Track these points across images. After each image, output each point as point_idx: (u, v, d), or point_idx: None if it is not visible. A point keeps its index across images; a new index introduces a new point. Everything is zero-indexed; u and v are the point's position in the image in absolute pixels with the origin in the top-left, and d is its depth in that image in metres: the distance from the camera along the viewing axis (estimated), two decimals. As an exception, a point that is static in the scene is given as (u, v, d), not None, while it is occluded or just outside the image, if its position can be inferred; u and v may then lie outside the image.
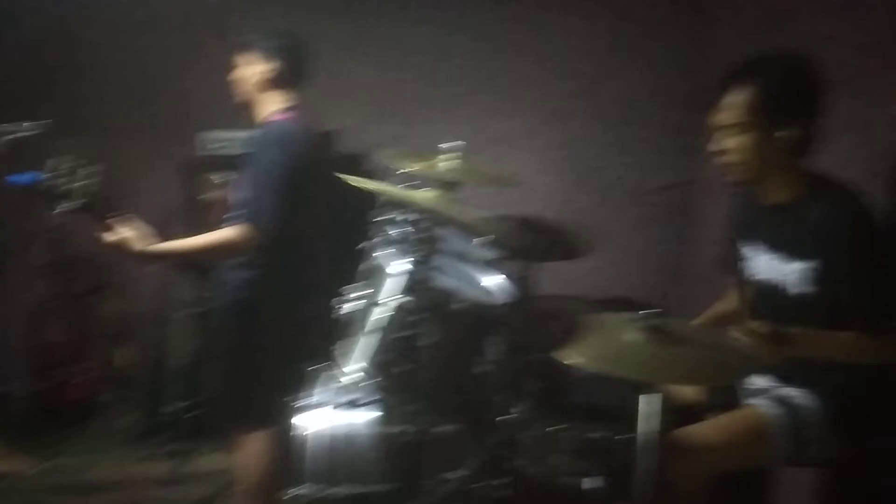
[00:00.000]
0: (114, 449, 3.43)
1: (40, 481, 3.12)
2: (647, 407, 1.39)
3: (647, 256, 3.65)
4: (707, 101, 1.85)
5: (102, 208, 2.21)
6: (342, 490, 1.78)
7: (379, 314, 1.71)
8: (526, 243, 2.65)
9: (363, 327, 1.76)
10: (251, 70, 2.41)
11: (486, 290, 1.88)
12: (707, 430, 1.76)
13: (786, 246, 1.81)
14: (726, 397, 1.92)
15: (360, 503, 1.72)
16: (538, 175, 3.45)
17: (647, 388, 1.40)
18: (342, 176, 1.64)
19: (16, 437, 3.43)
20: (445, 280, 1.79)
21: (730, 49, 3.24)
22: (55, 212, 2.18)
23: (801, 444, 1.78)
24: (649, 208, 3.57)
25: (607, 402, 1.74)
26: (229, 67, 2.45)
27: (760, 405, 1.82)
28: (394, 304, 1.59)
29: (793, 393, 1.84)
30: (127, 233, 2.18)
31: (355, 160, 3.42)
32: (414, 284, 1.61)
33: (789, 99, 1.75)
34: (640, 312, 1.42)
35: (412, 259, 1.67)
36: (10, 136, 2.87)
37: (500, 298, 1.87)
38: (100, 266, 3.76)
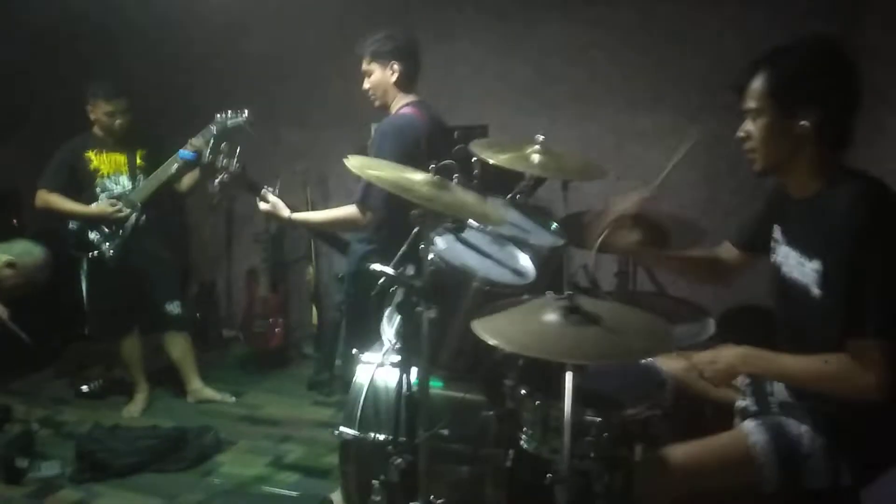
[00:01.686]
0: (294, 392, 4.04)
1: (230, 409, 3.82)
2: (569, 384, 1.43)
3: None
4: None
5: (249, 183, 2.74)
6: (374, 436, 2.03)
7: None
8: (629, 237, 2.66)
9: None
10: (378, 76, 2.72)
11: (515, 272, 1.98)
12: (688, 449, 1.69)
13: (805, 243, 1.67)
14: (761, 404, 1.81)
15: (384, 449, 1.94)
16: (679, 171, 3.31)
17: (574, 367, 1.44)
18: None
19: (226, 372, 4.26)
20: (467, 258, 1.94)
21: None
22: (214, 182, 2.77)
23: (792, 474, 1.64)
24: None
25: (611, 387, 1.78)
26: (357, 78, 2.77)
27: (749, 430, 1.70)
28: (409, 276, 1.79)
29: (787, 419, 1.70)
30: (276, 203, 2.67)
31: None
32: (429, 261, 1.79)
33: (802, 85, 1.62)
34: (558, 295, 1.46)
35: (431, 237, 1.85)
36: (227, 124, 3.54)
37: (526, 280, 1.96)
38: (303, 240, 4.42)
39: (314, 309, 4.39)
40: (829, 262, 1.59)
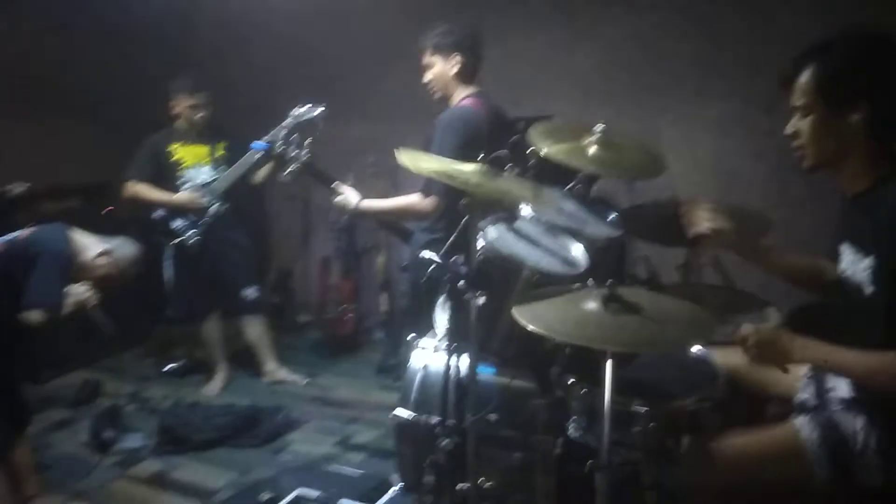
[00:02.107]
0: (363, 376, 4.17)
1: (302, 391, 3.98)
2: (609, 373, 1.44)
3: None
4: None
5: (319, 174, 2.85)
6: (427, 418, 2.09)
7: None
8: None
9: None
10: (439, 68, 2.78)
11: (566, 262, 1.99)
12: (737, 440, 1.67)
13: (858, 240, 1.62)
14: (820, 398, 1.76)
15: (434, 431, 1.99)
16: (749, 162, 3.23)
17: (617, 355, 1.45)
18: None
19: (300, 355, 4.43)
20: (518, 247, 1.97)
21: None
22: (284, 173, 2.89)
23: (843, 470, 1.60)
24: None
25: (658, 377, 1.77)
26: (421, 71, 2.84)
27: (800, 424, 1.67)
28: (457, 264, 1.83)
29: (842, 414, 1.66)
30: (347, 191, 2.78)
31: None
32: (479, 249, 1.84)
33: (850, 79, 1.57)
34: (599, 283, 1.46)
35: (482, 226, 1.89)
36: (303, 118, 3.68)
37: (577, 270, 1.96)
38: (375, 229, 4.53)
39: (384, 296, 4.50)
40: (880, 259, 1.54)
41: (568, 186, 2.47)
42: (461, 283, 1.74)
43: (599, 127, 2.35)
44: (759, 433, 1.70)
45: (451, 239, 1.88)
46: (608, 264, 2.24)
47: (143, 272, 3.13)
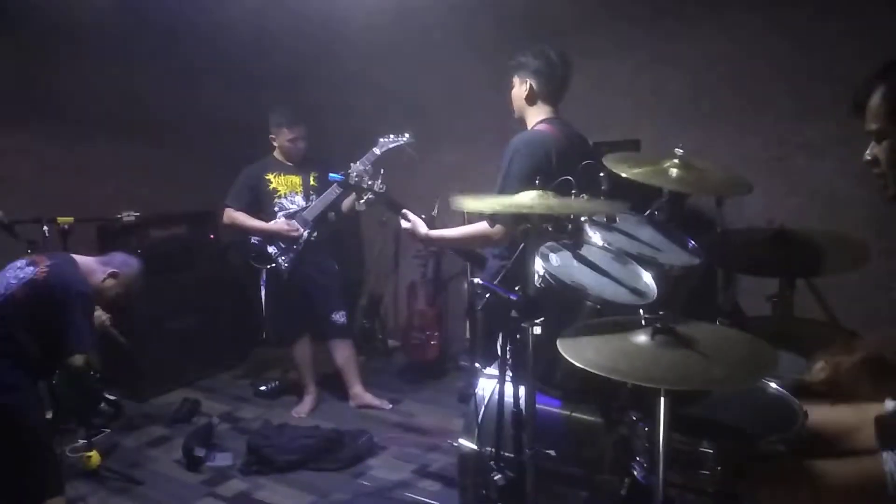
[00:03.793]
0: (446, 403, 4.15)
1: (386, 416, 4.00)
2: (662, 409, 1.34)
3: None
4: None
5: (392, 203, 2.87)
6: (491, 450, 2.03)
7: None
8: (779, 258, 2.45)
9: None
10: (515, 91, 2.76)
11: (634, 291, 1.89)
12: (826, 466, 1.53)
13: None
14: None
15: (490, 462, 1.93)
16: (849, 186, 2.97)
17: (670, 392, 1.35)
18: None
19: (386, 380, 4.48)
20: (581, 275, 1.88)
21: None
22: (361, 201, 2.93)
23: None
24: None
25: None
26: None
27: (886, 458, 1.49)
28: (509, 292, 1.77)
29: None
30: (415, 221, 2.78)
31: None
32: (539, 277, 1.78)
33: None
34: (651, 315, 1.36)
35: (544, 253, 1.84)
36: (390, 146, 3.75)
37: (646, 300, 1.86)
38: (459, 259, 4.53)
39: (468, 323, 4.47)
40: None
41: (647, 212, 2.38)
42: (513, 312, 1.69)
43: (678, 151, 2.27)
44: (845, 462, 1.56)
45: (508, 266, 1.83)
46: (684, 294, 2.13)
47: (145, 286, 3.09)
